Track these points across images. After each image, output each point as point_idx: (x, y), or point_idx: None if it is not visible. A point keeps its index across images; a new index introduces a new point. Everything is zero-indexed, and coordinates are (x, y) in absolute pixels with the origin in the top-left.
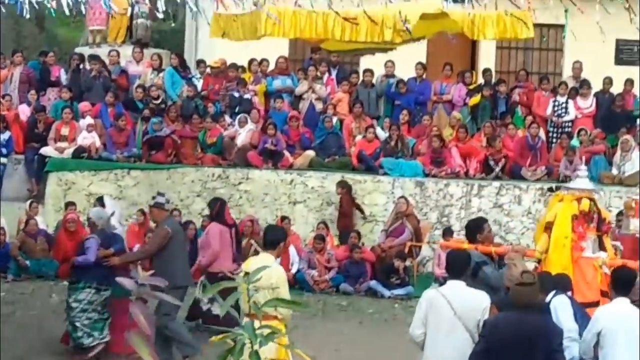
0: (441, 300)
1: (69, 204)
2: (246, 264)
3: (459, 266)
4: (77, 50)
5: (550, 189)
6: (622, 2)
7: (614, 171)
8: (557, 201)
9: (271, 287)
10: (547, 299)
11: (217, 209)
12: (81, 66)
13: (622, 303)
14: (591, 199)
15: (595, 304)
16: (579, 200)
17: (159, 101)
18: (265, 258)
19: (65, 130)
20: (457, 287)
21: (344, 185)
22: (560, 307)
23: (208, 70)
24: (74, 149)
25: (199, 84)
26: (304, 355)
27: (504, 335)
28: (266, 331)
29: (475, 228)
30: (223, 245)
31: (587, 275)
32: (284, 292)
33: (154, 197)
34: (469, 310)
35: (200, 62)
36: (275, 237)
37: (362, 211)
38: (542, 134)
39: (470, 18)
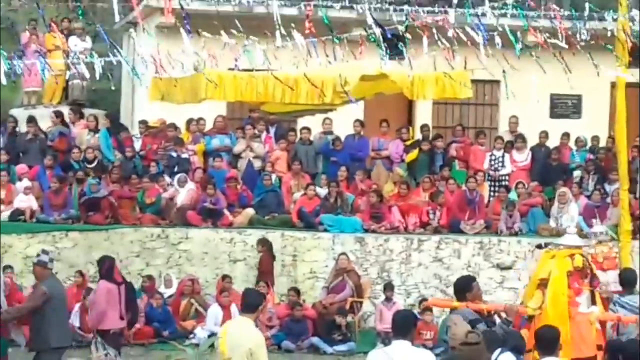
0: None
1: (6, 267)
2: (226, 328)
3: (405, 325)
4: (12, 112)
5: (539, 246)
6: (557, 59)
7: (552, 223)
8: (549, 258)
9: (250, 353)
10: (493, 357)
11: (107, 267)
12: (17, 129)
13: None
14: (582, 255)
15: (593, 359)
16: (571, 256)
17: (94, 163)
18: (245, 322)
19: (1, 193)
20: (402, 347)
21: (264, 243)
22: None
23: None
24: (10, 212)
25: (139, 144)
26: None
27: None
28: None
29: (465, 287)
30: (110, 303)
31: (583, 330)
32: (263, 357)
33: (38, 255)
34: None
35: (141, 122)
36: (254, 301)
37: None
38: (485, 188)
39: (410, 79)
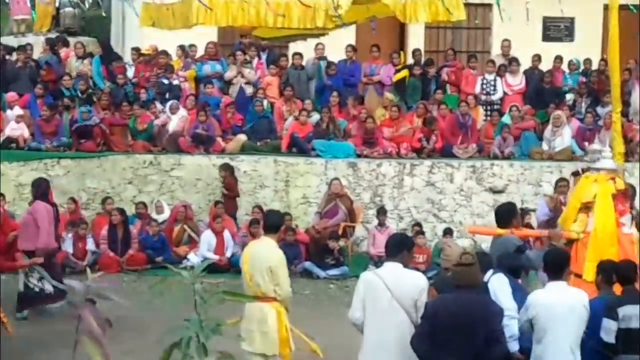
0: (378, 283)
1: None
2: (249, 247)
3: (397, 248)
4: (2, 40)
5: (576, 173)
6: None
7: (545, 147)
8: (591, 182)
9: (270, 270)
10: (485, 278)
11: (44, 188)
12: (7, 57)
13: (556, 287)
14: (621, 177)
15: None
16: (612, 179)
17: (84, 88)
18: (267, 242)
19: None
20: (393, 269)
21: (226, 168)
22: (498, 286)
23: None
24: (2, 140)
25: (132, 71)
26: (304, 335)
27: (446, 317)
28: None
29: (511, 213)
30: (50, 223)
31: (628, 251)
32: (283, 275)
33: None
34: (406, 291)
35: (133, 50)
36: (276, 221)
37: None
38: (479, 112)
39: (402, 2)
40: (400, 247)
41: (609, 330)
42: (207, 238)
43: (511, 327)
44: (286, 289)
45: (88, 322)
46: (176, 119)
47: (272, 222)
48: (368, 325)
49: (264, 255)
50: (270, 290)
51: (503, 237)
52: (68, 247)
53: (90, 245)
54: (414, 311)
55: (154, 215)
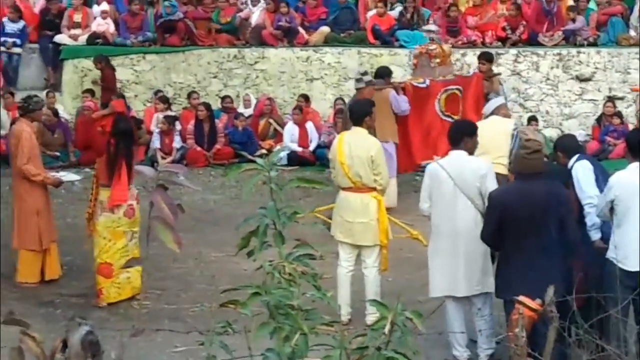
0: (441, 172)
1: (86, 92)
2: (340, 138)
3: (459, 136)
4: None
5: None
6: None
7: (632, 33)
8: None
9: (371, 160)
10: (570, 164)
11: None
12: None
13: (637, 168)
14: None
15: None
16: None
17: None
18: (361, 132)
19: (77, 17)
20: (456, 157)
21: (101, 60)
22: (581, 172)
23: None
24: (88, 36)
25: None
26: (404, 224)
27: (511, 206)
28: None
29: None
30: None
31: None
32: (382, 164)
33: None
34: (467, 178)
35: None
36: (361, 112)
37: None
38: None
39: None
40: (460, 135)
41: None
42: (290, 129)
43: (592, 215)
44: (387, 178)
45: (159, 207)
46: (257, 12)
47: (358, 113)
48: (435, 214)
49: (364, 146)
50: (371, 181)
51: None
52: (156, 142)
53: (176, 141)
54: (479, 197)
55: (241, 109)
